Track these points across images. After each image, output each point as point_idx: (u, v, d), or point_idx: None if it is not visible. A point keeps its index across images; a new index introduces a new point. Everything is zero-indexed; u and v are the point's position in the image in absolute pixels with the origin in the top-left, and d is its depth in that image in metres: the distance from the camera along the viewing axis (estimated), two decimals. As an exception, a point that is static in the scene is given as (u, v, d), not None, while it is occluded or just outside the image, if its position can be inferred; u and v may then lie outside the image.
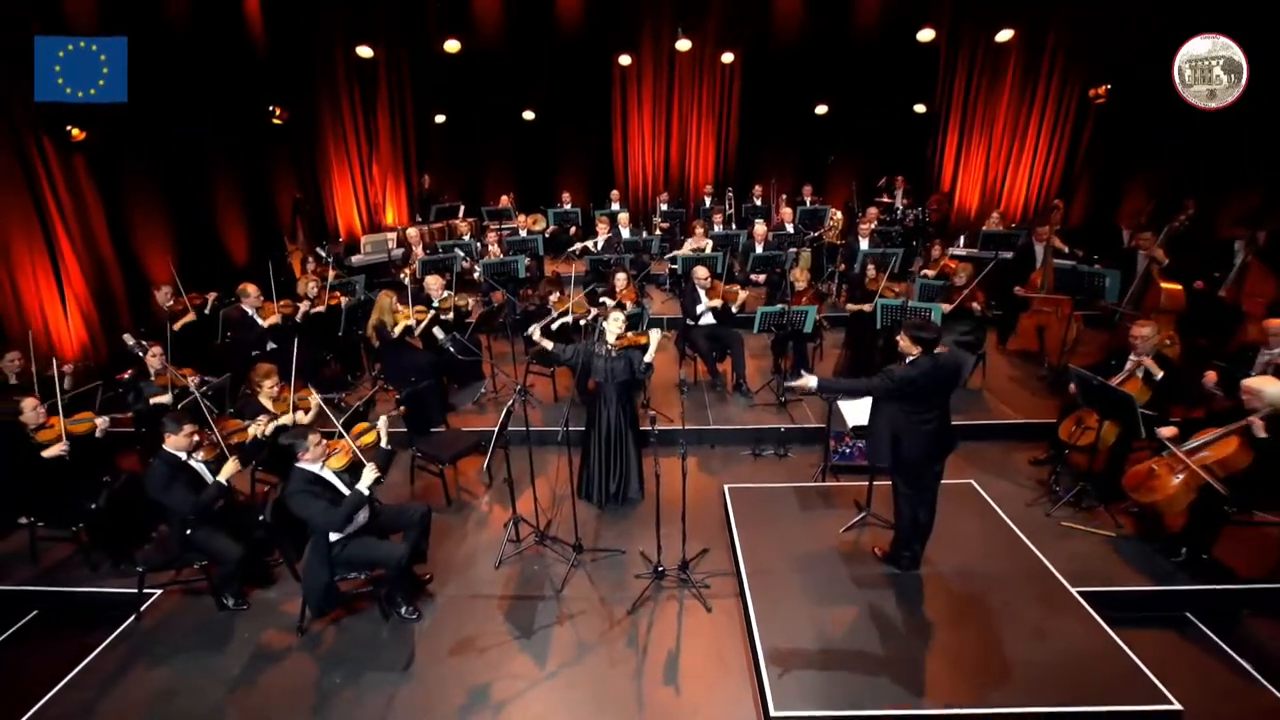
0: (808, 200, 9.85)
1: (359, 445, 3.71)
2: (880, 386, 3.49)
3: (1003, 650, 3.28)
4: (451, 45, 9.87)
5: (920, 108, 10.94)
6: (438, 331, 6.17)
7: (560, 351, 4.44)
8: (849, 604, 3.61)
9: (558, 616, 3.71)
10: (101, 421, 4.32)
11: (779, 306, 5.70)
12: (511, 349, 6.19)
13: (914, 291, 6.28)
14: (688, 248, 7.96)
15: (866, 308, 6.12)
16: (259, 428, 4.32)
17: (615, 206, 10.14)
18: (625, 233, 8.62)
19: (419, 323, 5.92)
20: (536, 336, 4.38)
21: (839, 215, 9.17)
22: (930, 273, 6.93)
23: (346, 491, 3.53)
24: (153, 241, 6.86)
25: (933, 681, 3.13)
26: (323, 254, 8.49)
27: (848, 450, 4.86)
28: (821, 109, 11.05)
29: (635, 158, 11.71)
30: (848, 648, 3.33)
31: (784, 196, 10.03)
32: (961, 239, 8.56)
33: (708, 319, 6.09)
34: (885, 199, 10.03)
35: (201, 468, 3.77)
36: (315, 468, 3.52)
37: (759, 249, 7.67)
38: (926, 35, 9.70)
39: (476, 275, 7.17)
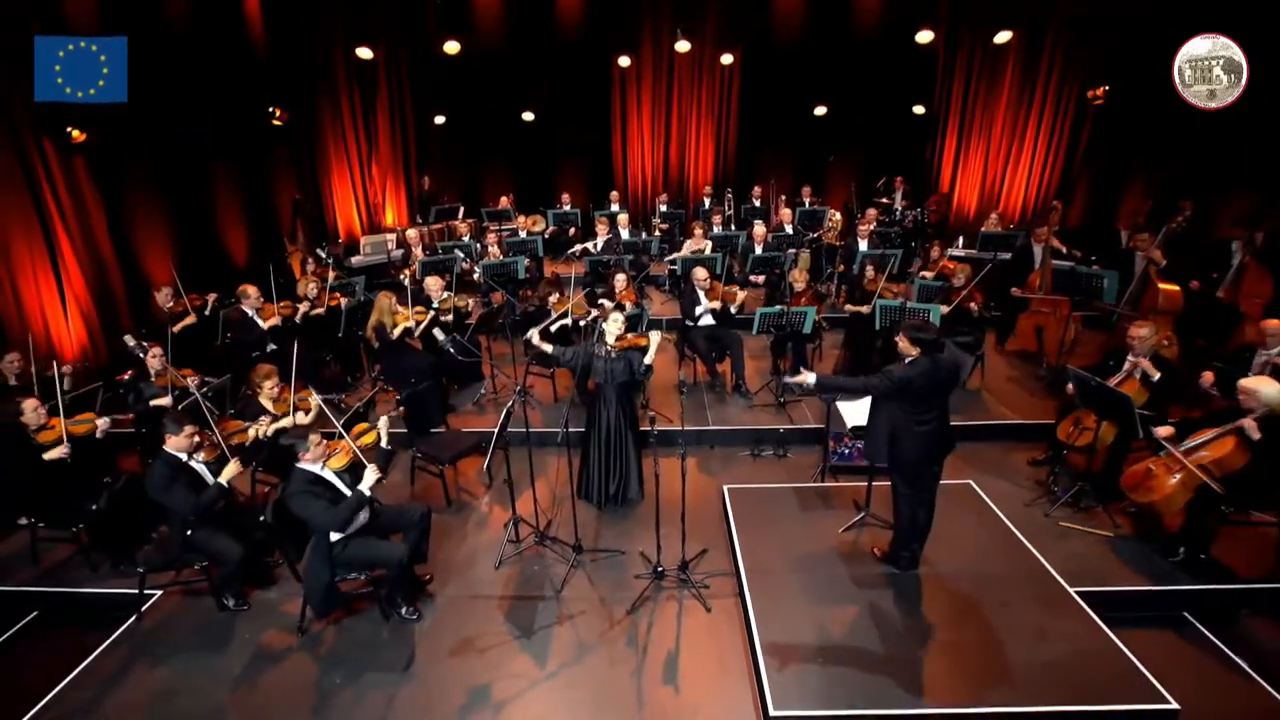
0: (807, 201, 9.87)
1: (359, 445, 3.72)
2: (878, 386, 3.51)
3: (1001, 650, 3.29)
4: (451, 46, 9.88)
5: (919, 109, 10.96)
6: (438, 333, 6.18)
7: (560, 354, 4.45)
8: (848, 604, 3.62)
9: (558, 617, 3.72)
10: (102, 422, 4.33)
11: (778, 307, 5.72)
12: (511, 350, 6.20)
13: (912, 292, 6.29)
14: (687, 249, 7.97)
15: (865, 309, 6.14)
16: (260, 429, 4.33)
17: (615, 207, 10.16)
18: (625, 234, 8.63)
19: (419, 324, 5.93)
20: (536, 340, 4.40)
21: (838, 216, 9.19)
22: (929, 274, 6.94)
23: (347, 492, 3.55)
24: (153, 242, 6.86)
25: (931, 681, 3.14)
26: (322, 255, 8.50)
27: (847, 451, 4.88)
28: (820, 110, 11.07)
29: (635, 159, 11.72)
30: (847, 647, 3.34)
31: (783, 198, 10.05)
32: (960, 240, 8.57)
33: (707, 320, 6.10)
34: (884, 200, 10.05)
35: (202, 468, 3.78)
36: (316, 468, 3.53)
37: (758, 250, 7.68)
38: (925, 37, 9.74)
39: (476, 276, 7.18)
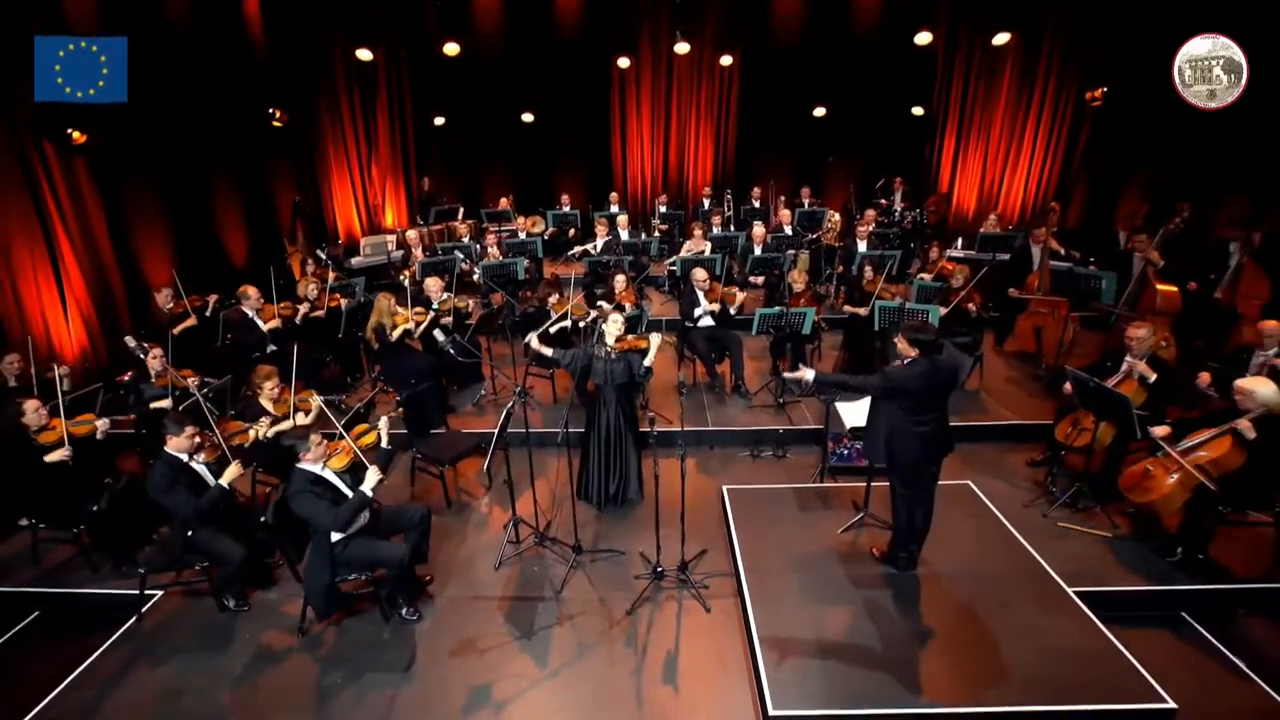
0: (806, 202, 9.88)
1: (359, 446, 3.73)
2: (877, 386, 3.52)
3: (999, 650, 3.31)
4: (451, 48, 9.90)
5: (918, 110, 10.99)
6: (438, 334, 6.19)
7: (560, 356, 4.47)
8: (847, 604, 3.64)
9: (557, 617, 3.73)
10: (102, 423, 4.34)
11: (777, 308, 5.73)
12: (511, 351, 6.21)
13: (911, 293, 6.31)
14: (686, 250, 7.99)
15: (862, 311, 6.16)
16: (260, 430, 4.34)
17: (614, 209, 10.18)
18: (624, 235, 8.65)
19: (418, 325, 5.94)
20: (535, 345, 4.41)
21: (837, 217, 9.21)
22: (927, 275, 6.96)
23: (348, 492, 3.56)
24: (153, 244, 6.87)
25: (930, 680, 3.15)
26: (322, 256, 8.51)
27: (846, 451, 4.89)
28: (820, 111, 11.09)
29: (634, 160, 11.74)
30: (846, 647, 3.35)
31: (782, 198, 10.06)
32: (959, 241, 8.60)
33: (706, 321, 6.12)
34: (882, 201, 10.07)
35: (203, 469, 3.79)
36: (317, 468, 3.54)
37: (757, 251, 7.69)
38: (924, 38, 9.77)
39: (476, 277, 7.19)
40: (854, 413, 4.34)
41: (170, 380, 4.85)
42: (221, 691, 3.32)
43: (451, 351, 6.16)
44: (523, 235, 8.86)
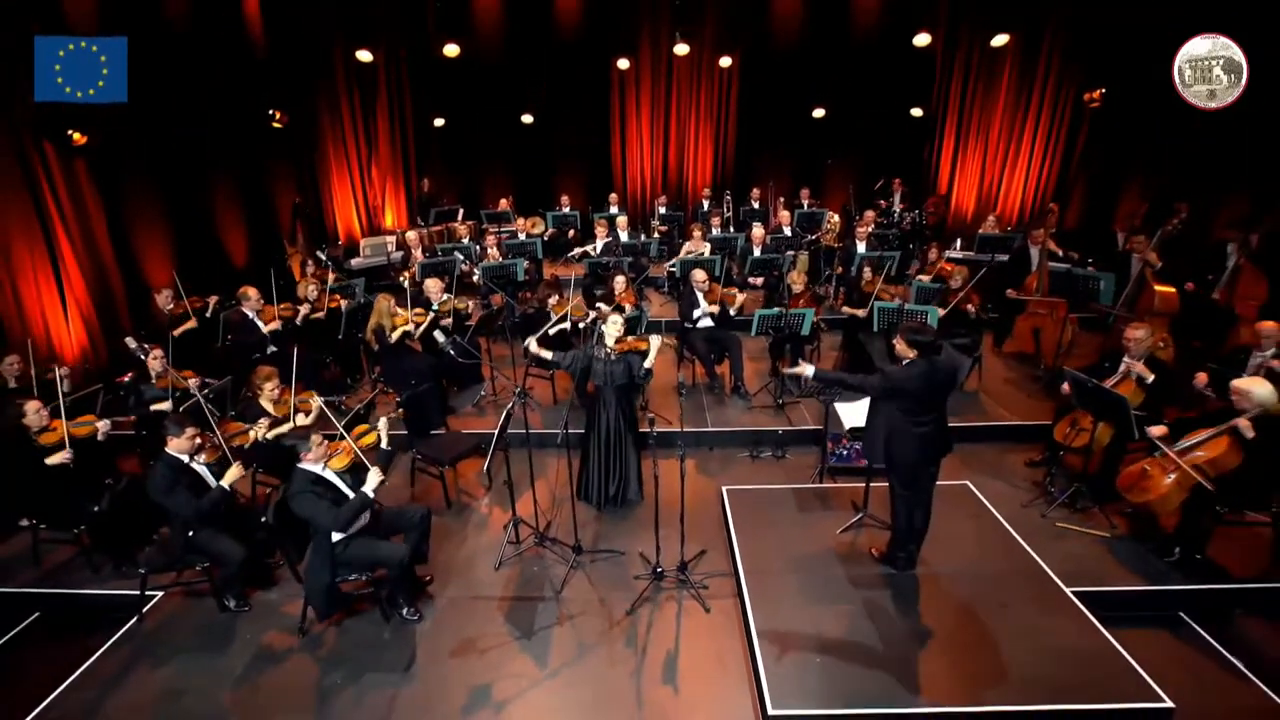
0: (805, 203, 9.91)
1: (359, 447, 3.74)
2: (876, 385, 3.54)
3: (998, 649, 3.32)
4: (451, 49, 9.91)
5: (917, 111, 11.01)
6: (438, 335, 6.20)
7: (560, 359, 4.48)
8: (846, 604, 3.65)
9: (557, 617, 3.74)
10: (103, 425, 4.34)
11: (777, 309, 5.74)
12: (511, 352, 6.22)
13: (910, 294, 6.33)
14: (685, 251, 8.00)
15: (860, 313, 6.17)
16: (260, 430, 4.35)
17: (614, 210, 10.19)
18: (623, 236, 8.67)
19: (418, 326, 5.95)
20: (534, 349, 4.42)
21: (836, 218, 9.23)
22: (925, 277, 6.98)
23: (349, 492, 3.57)
24: (153, 245, 6.88)
25: (928, 680, 3.16)
26: (322, 257, 8.52)
27: (845, 452, 4.90)
28: (819, 113, 11.11)
29: (634, 161, 11.76)
30: (845, 647, 3.36)
31: (781, 200, 10.09)
32: (958, 242, 8.62)
33: (706, 322, 6.13)
34: (882, 203, 10.09)
35: (204, 470, 3.80)
36: (317, 468, 3.55)
37: (756, 252, 7.71)
38: (923, 40, 9.79)
39: (476, 278, 7.20)
40: (853, 413, 4.35)
41: (171, 381, 4.85)
42: (222, 692, 3.33)
43: (451, 352, 6.17)
44: (522, 236, 8.88)
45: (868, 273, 6.59)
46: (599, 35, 10.76)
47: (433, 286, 6.33)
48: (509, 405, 4.20)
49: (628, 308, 5.86)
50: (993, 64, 9.85)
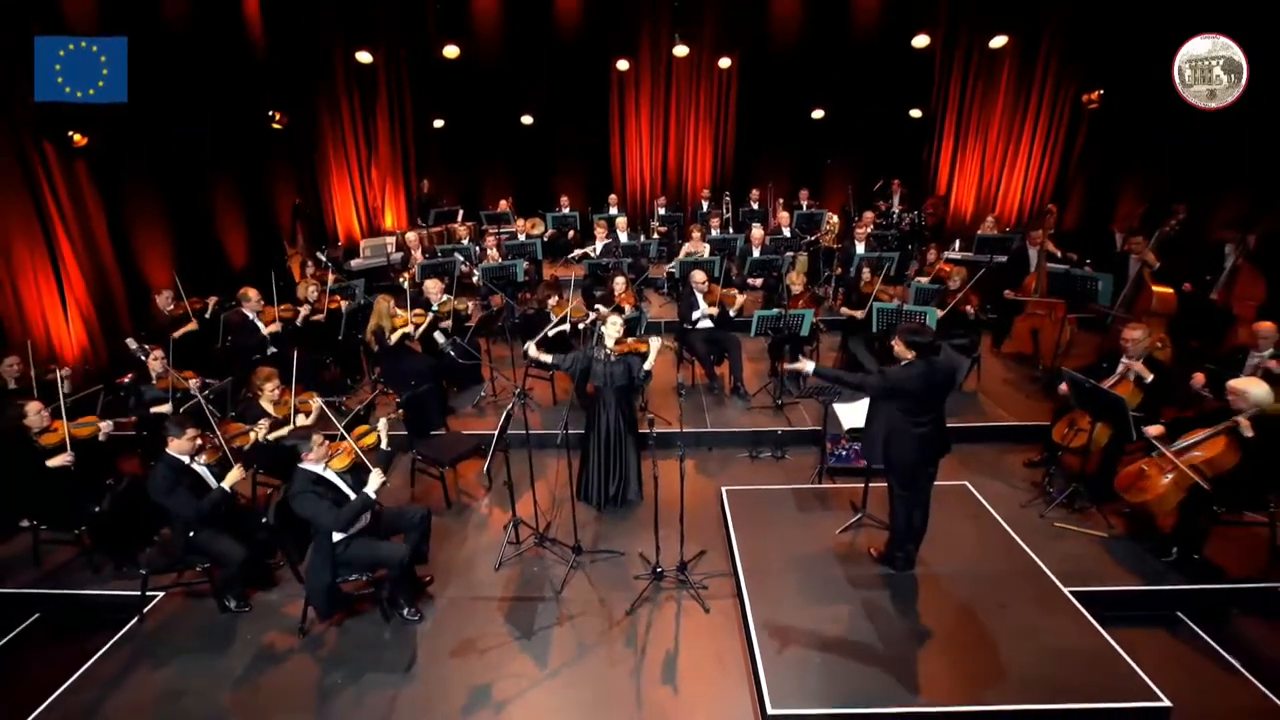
0: (804, 204, 9.92)
1: (360, 447, 3.75)
2: (874, 385, 3.55)
3: (996, 649, 3.33)
4: (451, 51, 9.92)
5: (916, 112, 11.03)
6: (438, 335, 6.21)
7: (560, 361, 4.49)
8: (845, 604, 3.66)
9: (557, 617, 3.75)
10: (105, 425, 4.35)
11: (776, 310, 5.76)
12: (511, 352, 6.23)
13: (909, 295, 6.34)
14: (685, 252, 8.01)
15: (859, 314, 6.19)
16: (261, 431, 4.35)
17: (613, 210, 10.20)
18: (623, 237, 8.68)
19: (417, 327, 5.96)
20: (533, 353, 4.43)
21: (835, 219, 9.24)
22: (924, 278, 6.99)
23: (349, 492, 3.58)
24: (153, 246, 6.89)
25: (927, 680, 3.17)
26: (322, 258, 8.53)
27: (844, 453, 4.91)
28: (818, 114, 11.13)
29: (633, 162, 11.77)
30: (844, 647, 3.37)
31: (781, 200, 10.10)
32: (956, 243, 8.63)
33: (705, 323, 6.14)
34: (881, 204, 10.11)
35: (204, 471, 3.80)
36: (318, 468, 3.56)
37: (756, 253, 7.72)
38: (921, 41, 9.82)
39: (475, 279, 7.21)
40: (852, 414, 4.37)
41: (171, 382, 4.86)
42: (222, 692, 3.33)
43: (451, 353, 6.18)
44: (522, 237, 8.89)
45: (867, 274, 6.60)
46: (598, 36, 10.78)
47: (432, 287, 6.35)
48: (509, 406, 4.21)
49: (627, 309, 5.87)
50: (992, 65, 9.87)
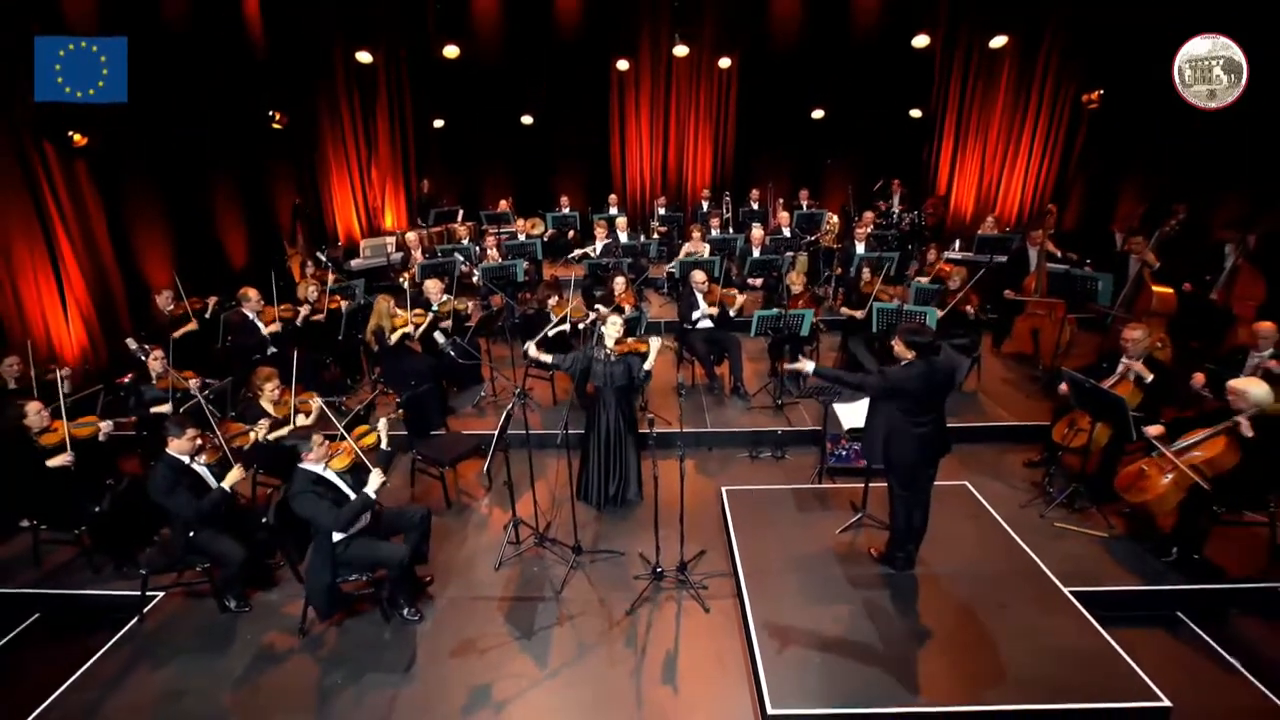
0: (804, 204, 9.92)
1: (360, 447, 3.75)
2: (874, 385, 3.55)
3: (996, 649, 3.33)
4: (451, 50, 9.92)
5: (916, 112, 11.03)
6: (438, 336, 6.21)
7: (560, 361, 4.50)
8: (845, 604, 3.66)
9: (557, 617, 3.75)
10: (105, 425, 4.35)
11: (776, 310, 5.76)
12: (510, 353, 6.23)
13: (909, 295, 6.34)
14: (685, 252, 8.01)
15: (859, 314, 6.19)
16: (261, 431, 4.35)
17: (613, 210, 10.21)
18: (623, 237, 8.68)
19: (417, 327, 5.96)
20: (533, 353, 4.43)
21: (835, 219, 9.24)
22: (924, 279, 6.99)
23: (349, 492, 3.58)
24: (153, 246, 6.89)
25: (927, 679, 3.17)
26: (322, 258, 8.53)
27: (844, 453, 4.91)
28: (818, 114, 11.13)
29: (633, 162, 11.78)
30: (844, 647, 3.37)
31: (781, 200, 10.10)
32: (956, 243, 8.64)
33: (705, 324, 6.14)
34: (881, 204, 10.11)
35: (204, 471, 3.80)
36: (318, 468, 3.56)
37: (756, 253, 7.72)
38: (921, 41, 9.82)
39: (475, 279, 7.21)
40: (852, 414, 4.37)
41: (171, 382, 4.86)
42: (222, 692, 3.33)
43: (451, 353, 6.18)
44: (522, 237, 8.89)
45: (866, 274, 6.61)
46: (598, 36, 10.78)
47: (432, 287, 6.35)
48: (509, 406, 4.21)
49: (627, 309, 5.87)
50: (991, 65, 9.87)
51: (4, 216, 5.38)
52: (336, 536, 3.51)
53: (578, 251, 8.76)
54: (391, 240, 9.35)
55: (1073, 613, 3.53)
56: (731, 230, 9.47)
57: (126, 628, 3.73)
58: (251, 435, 4.30)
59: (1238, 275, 5.96)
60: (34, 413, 4.08)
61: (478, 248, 8.44)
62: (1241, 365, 4.57)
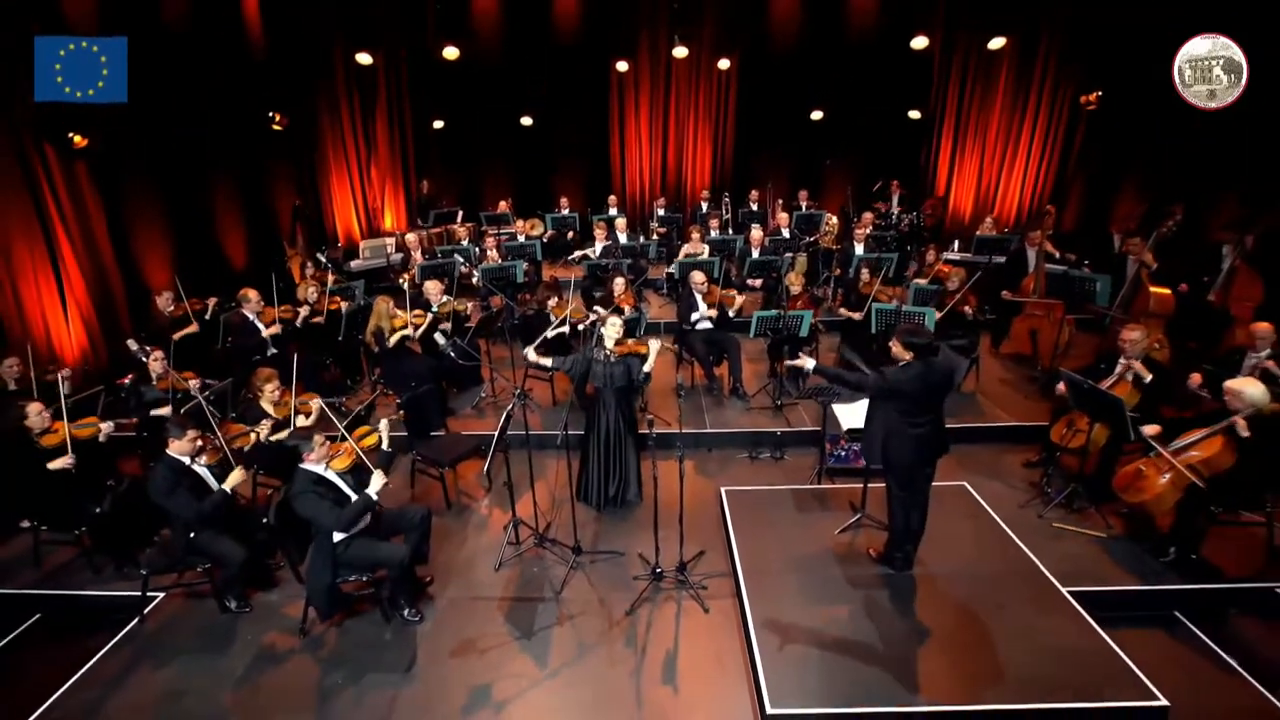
0: (803, 205, 9.93)
1: (361, 448, 3.76)
2: (872, 384, 3.57)
3: (995, 649, 3.34)
4: (450, 51, 9.93)
5: (915, 113, 11.05)
6: (438, 337, 6.21)
7: (560, 364, 4.51)
8: (844, 604, 3.67)
9: (557, 617, 3.76)
10: (105, 426, 4.36)
11: (775, 311, 5.77)
12: (510, 353, 6.24)
13: (908, 296, 6.36)
14: (684, 253, 8.03)
15: (856, 316, 6.20)
16: (263, 432, 4.36)
17: (613, 212, 10.21)
18: (622, 238, 8.69)
19: (417, 328, 5.97)
20: (533, 358, 4.44)
21: (834, 220, 9.26)
22: (923, 280, 7.01)
23: (350, 492, 3.59)
24: (153, 247, 6.89)
25: (926, 679, 3.18)
26: (322, 259, 8.54)
27: (843, 453, 4.93)
28: (817, 115, 11.14)
29: (633, 163, 11.79)
30: (843, 646, 3.38)
31: (780, 201, 10.11)
32: (955, 243, 8.65)
33: (704, 324, 6.15)
34: (880, 205, 10.12)
35: (205, 472, 3.81)
36: (319, 469, 3.57)
37: (755, 254, 7.74)
38: (920, 43, 9.83)
39: (475, 280, 7.23)
40: (851, 414, 4.38)
41: (171, 383, 4.87)
42: (223, 693, 3.34)
43: (451, 354, 6.19)
44: (521, 238, 8.90)
45: (865, 275, 6.62)
46: (598, 37, 10.79)
47: (432, 288, 6.35)
48: (508, 407, 4.22)
49: (627, 310, 5.88)
50: (990, 66, 9.89)
51: (4, 217, 5.39)
52: (337, 537, 3.52)
53: (577, 253, 8.76)
54: (391, 241, 9.36)
55: (1071, 613, 3.54)
56: (731, 231, 9.49)
57: (127, 628, 3.74)
58: (253, 436, 4.31)
59: (1235, 276, 5.97)
60: (35, 414, 4.09)
61: (477, 249, 8.44)
62: (1239, 366, 4.59)
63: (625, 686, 3.32)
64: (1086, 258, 7.21)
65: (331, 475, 3.61)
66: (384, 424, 3.93)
